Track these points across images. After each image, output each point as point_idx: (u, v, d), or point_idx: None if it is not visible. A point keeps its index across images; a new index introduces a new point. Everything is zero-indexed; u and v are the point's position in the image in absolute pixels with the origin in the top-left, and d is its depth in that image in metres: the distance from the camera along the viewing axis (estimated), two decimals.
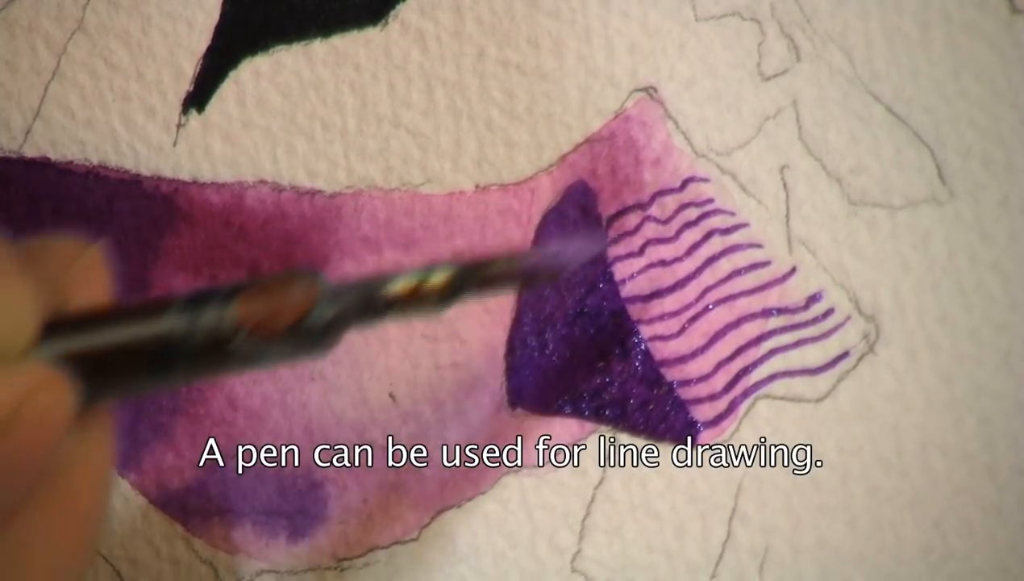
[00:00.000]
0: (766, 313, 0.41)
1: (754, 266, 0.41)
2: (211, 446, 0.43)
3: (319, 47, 0.43)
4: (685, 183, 0.41)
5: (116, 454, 0.33)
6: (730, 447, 0.41)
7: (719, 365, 0.41)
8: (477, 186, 0.42)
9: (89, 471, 0.31)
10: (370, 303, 0.32)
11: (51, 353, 0.28)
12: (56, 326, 0.29)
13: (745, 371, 0.41)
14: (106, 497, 0.32)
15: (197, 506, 0.43)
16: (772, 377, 0.41)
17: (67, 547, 0.30)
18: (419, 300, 0.32)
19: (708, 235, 0.41)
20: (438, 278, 0.32)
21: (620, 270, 0.41)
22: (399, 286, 0.32)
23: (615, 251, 0.41)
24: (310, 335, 0.30)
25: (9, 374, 0.27)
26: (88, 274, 0.31)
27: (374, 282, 0.32)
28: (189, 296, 0.30)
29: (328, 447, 0.42)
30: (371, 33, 0.42)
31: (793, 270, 0.41)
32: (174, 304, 0.29)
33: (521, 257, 0.36)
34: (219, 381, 0.43)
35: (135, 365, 0.29)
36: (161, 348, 0.29)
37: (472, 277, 0.33)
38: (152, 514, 0.43)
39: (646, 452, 0.41)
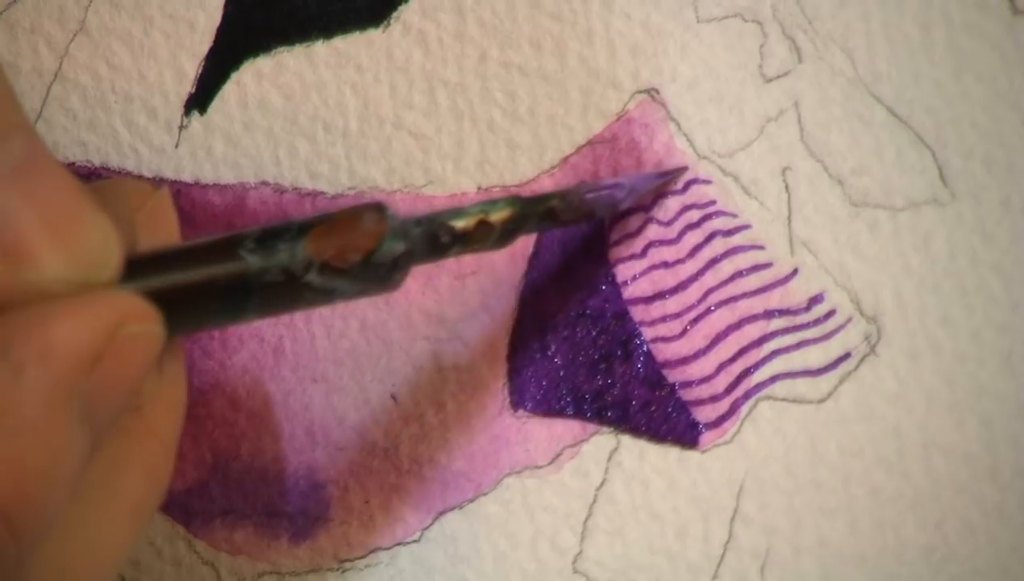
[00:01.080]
0: (768, 314, 0.41)
1: (756, 268, 0.41)
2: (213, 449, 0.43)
3: (321, 48, 0.43)
4: (687, 185, 0.41)
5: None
6: (732, 448, 0.41)
7: (721, 366, 0.41)
8: (479, 188, 0.42)
9: (168, 403, 0.32)
10: (436, 238, 0.33)
11: (134, 288, 0.29)
12: (134, 263, 0.29)
13: (747, 372, 0.41)
14: (181, 426, 0.33)
15: (199, 507, 0.43)
16: (774, 378, 0.41)
17: (151, 474, 0.32)
18: (482, 235, 0.33)
19: (710, 237, 0.41)
20: (500, 213, 0.34)
21: (622, 272, 0.41)
22: (463, 221, 0.33)
23: (617, 253, 0.42)
24: (380, 269, 0.31)
25: (103, 302, 0.28)
26: (157, 216, 0.33)
27: (440, 217, 0.33)
28: (261, 232, 0.30)
29: (330, 448, 0.43)
30: (373, 34, 0.42)
31: (795, 272, 0.41)
32: (247, 240, 0.30)
33: (578, 190, 0.37)
34: (220, 381, 0.43)
35: (211, 301, 0.30)
36: (237, 284, 0.30)
37: (532, 211, 0.34)
38: (154, 515, 0.43)
39: (648, 453, 0.41)
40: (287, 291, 0.30)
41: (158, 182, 0.43)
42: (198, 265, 0.30)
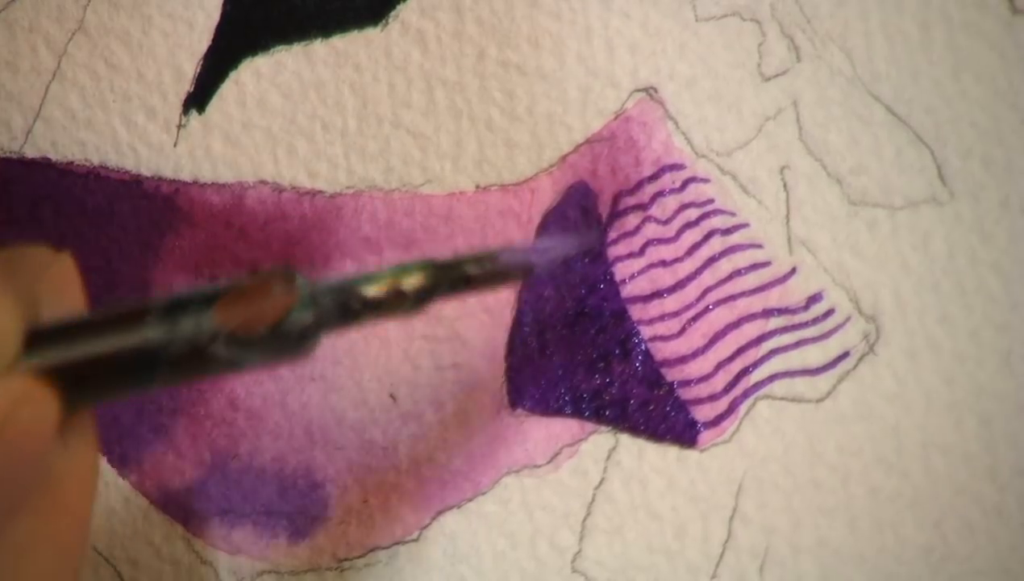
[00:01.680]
0: (766, 313, 0.41)
1: (754, 266, 0.41)
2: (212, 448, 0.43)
3: (319, 47, 0.43)
4: (685, 183, 0.41)
5: (100, 455, 0.33)
6: (730, 447, 0.41)
7: (719, 365, 0.41)
8: (477, 186, 0.42)
9: (77, 476, 0.31)
10: (347, 306, 0.32)
11: (31, 365, 0.28)
12: (35, 335, 0.29)
13: (745, 371, 0.41)
14: (93, 498, 0.32)
15: (197, 506, 0.43)
16: (772, 377, 0.41)
17: (62, 551, 0.31)
18: (394, 302, 0.32)
19: (708, 235, 0.41)
20: (413, 279, 0.33)
21: (621, 270, 0.41)
22: (375, 289, 0.32)
23: (616, 251, 0.41)
24: (288, 339, 0.30)
25: None
26: (61, 283, 0.32)
27: (350, 284, 0.32)
28: (167, 303, 0.30)
29: (328, 447, 0.43)
30: (371, 33, 0.42)
31: (793, 270, 0.41)
32: (152, 311, 0.30)
33: (494, 255, 0.37)
34: (218, 382, 0.43)
35: (116, 373, 0.29)
36: (141, 356, 0.29)
37: (446, 276, 0.34)
38: (153, 515, 0.43)
39: (646, 452, 0.41)
40: (192, 362, 0.30)
41: (156, 181, 0.43)
42: (102, 338, 0.29)
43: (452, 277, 0.34)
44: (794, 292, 0.41)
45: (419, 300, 0.33)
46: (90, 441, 0.32)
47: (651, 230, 0.41)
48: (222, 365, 0.30)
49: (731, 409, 0.41)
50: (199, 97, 0.43)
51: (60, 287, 0.32)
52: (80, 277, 0.33)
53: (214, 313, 0.30)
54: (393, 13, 0.42)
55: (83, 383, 0.29)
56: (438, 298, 0.33)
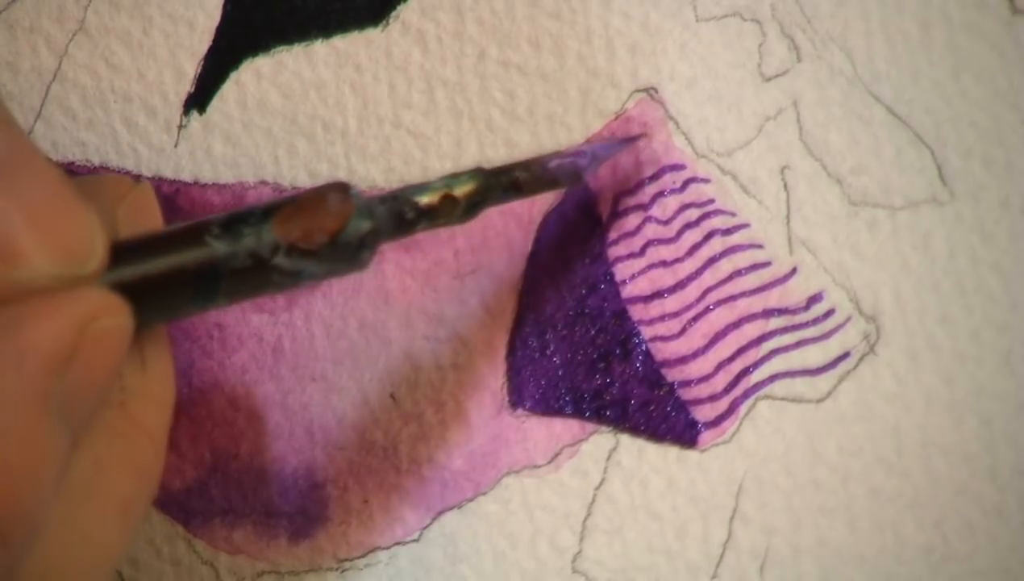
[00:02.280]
0: (767, 314, 0.41)
1: (755, 267, 0.41)
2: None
3: (320, 48, 0.43)
4: (686, 184, 0.41)
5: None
6: (731, 448, 0.41)
7: (720, 366, 0.41)
8: None
9: (153, 396, 0.32)
10: (401, 215, 0.33)
11: (104, 282, 0.29)
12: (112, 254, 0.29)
13: (746, 372, 0.41)
14: (169, 420, 0.34)
15: (198, 507, 0.43)
16: (773, 378, 0.41)
17: (138, 470, 0.32)
18: (447, 209, 0.33)
19: (709, 236, 0.41)
20: (464, 187, 0.34)
21: (621, 271, 0.41)
22: (428, 197, 0.33)
23: (616, 252, 0.41)
24: (347, 249, 0.31)
25: (72, 301, 0.28)
26: (139, 209, 0.33)
27: (404, 194, 0.33)
28: (226, 218, 0.30)
29: (329, 448, 0.43)
30: (372, 34, 0.42)
31: (794, 271, 0.41)
32: (214, 227, 0.30)
33: (543, 161, 0.37)
34: (219, 381, 0.43)
35: (182, 289, 0.30)
36: (205, 271, 0.30)
37: (496, 183, 0.34)
38: (153, 515, 0.43)
39: (647, 453, 0.41)
40: (255, 275, 0.31)
41: (156, 182, 0.43)
42: (166, 254, 0.30)
43: (502, 183, 0.35)
44: (794, 292, 0.41)
45: (471, 206, 0.34)
46: (166, 365, 0.33)
47: (651, 230, 0.41)
48: (284, 277, 0.31)
49: (731, 409, 0.41)
50: (200, 98, 0.43)
51: (138, 213, 0.33)
52: (158, 206, 0.34)
53: (273, 226, 0.30)
54: (394, 13, 0.42)
55: (153, 299, 0.30)
56: (489, 204, 0.35)
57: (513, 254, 0.42)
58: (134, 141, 0.43)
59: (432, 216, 0.33)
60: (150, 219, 0.33)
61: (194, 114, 0.43)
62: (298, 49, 0.43)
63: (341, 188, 0.31)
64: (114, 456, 0.31)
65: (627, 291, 0.41)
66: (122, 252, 0.30)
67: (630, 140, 0.41)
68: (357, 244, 0.31)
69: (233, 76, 0.43)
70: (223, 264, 0.30)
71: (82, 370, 0.28)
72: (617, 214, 0.41)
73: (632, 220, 0.41)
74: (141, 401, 0.32)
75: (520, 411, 0.42)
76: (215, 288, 0.30)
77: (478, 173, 0.34)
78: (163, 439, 0.33)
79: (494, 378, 0.42)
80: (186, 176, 0.43)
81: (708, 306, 0.41)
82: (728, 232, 0.41)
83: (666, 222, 0.41)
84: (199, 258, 0.30)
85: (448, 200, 0.33)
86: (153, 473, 0.32)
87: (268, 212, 0.31)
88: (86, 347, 0.28)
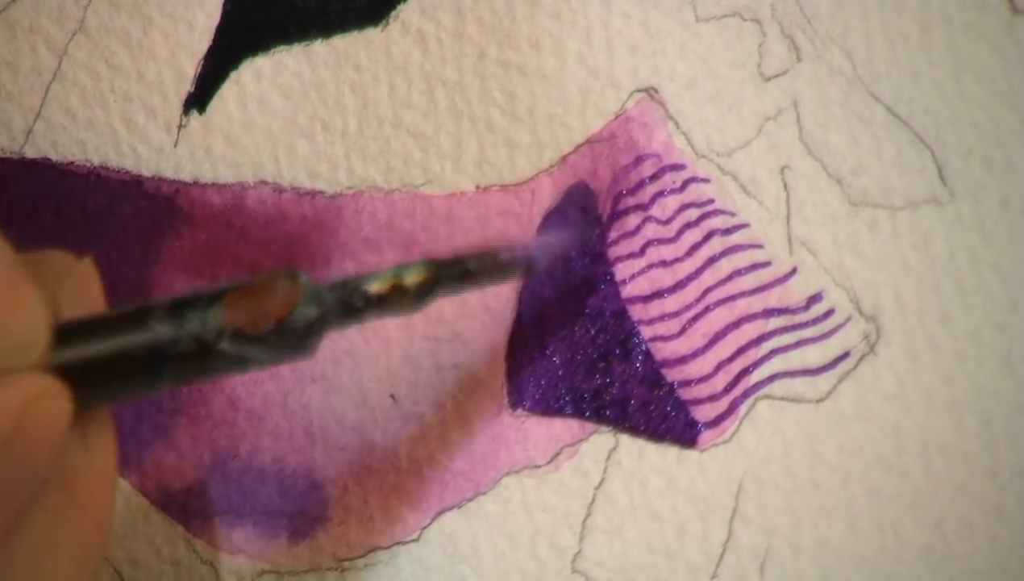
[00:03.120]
0: (767, 314, 0.41)
1: (755, 267, 0.41)
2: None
3: (320, 48, 0.43)
4: (686, 184, 0.41)
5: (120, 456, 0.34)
6: (730, 447, 0.41)
7: (720, 366, 0.41)
8: (478, 187, 0.42)
9: (96, 476, 0.32)
10: (350, 303, 0.32)
11: (50, 363, 0.29)
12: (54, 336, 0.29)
13: (746, 372, 0.41)
14: (113, 499, 0.33)
15: (198, 507, 0.43)
16: (773, 377, 0.41)
17: (80, 552, 0.31)
18: (397, 298, 0.33)
19: (709, 236, 0.41)
20: (414, 276, 0.33)
21: (621, 271, 0.41)
22: (377, 285, 0.33)
23: (616, 252, 0.42)
24: (294, 335, 0.31)
25: (11, 384, 0.27)
26: (82, 287, 0.32)
27: (353, 281, 0.33)
28: (173, 301, 0.30)
29: (329, 448, 0.43)
30: (372, 34, 0.42)
31: (794, 271, 0.41)
32: (160, 310, 0.30)
33: (495, 251, 0.37)
34: (214, 383, 0.43)
35: (126, 372, 0.30)
36: (150, 354, 0.30)
37: (447, 272, 0.34)
38: (153, 515, 0.43)
39: (647, 453, 0.41)
40: (200, 360, 0.30)
41: (156, 182, 0.43)
42: (110, 337, 0.30)
43: (453, 273, 0.35)
44: (794, 292, 0.41)
45: (420, 296, 0.34)
46: (109, 443, 0.32)
47: (651, 230, 0.41)
48: (229, 362, 0.30)
49: (731, 409, 0.41)
50: (200, 97, 0.43)
51: (81, 291, 0.32)
52: (101, 282, 0.33)
53: (220, 310, 0.30)
54: (393, 13, 0.42)
55: (95, 382, 0.29)
56: (439, 294, 0.34)
57: None
58: (134, 141, 0.43)
59: (381, 305, 0.33)
60: (93, 296, 0.33)
61: (194, 114, 0.43)
62: (298, 49, 0.43)
63: (290, 274, 0.31)
64: (56, 539, 0.30)
65: (627, 291, 0.41)
66: (66, 333, 0.29)
67: (579, 237, 0.41)
68: (304, 331, 0.31)
69: (233, 76, 0.43)
70: (167, 349, 0.30)
71: (20, 453, 0.27)
72: (617, 214, 0.41)
73: (632, 220, 0.41)
74: (84, 481, 0.31)
75: (520, 411, 0.42)
76: (159, 372, 0.30)
77: (428, 263, 0.34)
78: (107, 518, 0.32)
79: (494, 378, 0.42)
80: (186, 176, 0.43)
81: (708, 306, 0.41)
82: (728, 232, 0.41)
83: (666, 222, 0.41)
84: (143, 342, 0.30)
85: (397, 289, 0.33)
86: (95, 553, 0.32)
87: (215, 296, 0.30)
88: (24, 430, 0.27)
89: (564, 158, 0.42)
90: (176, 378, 0.30)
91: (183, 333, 0.30)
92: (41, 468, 0.28)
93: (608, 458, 0.41)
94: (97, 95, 0.43)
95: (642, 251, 0.41)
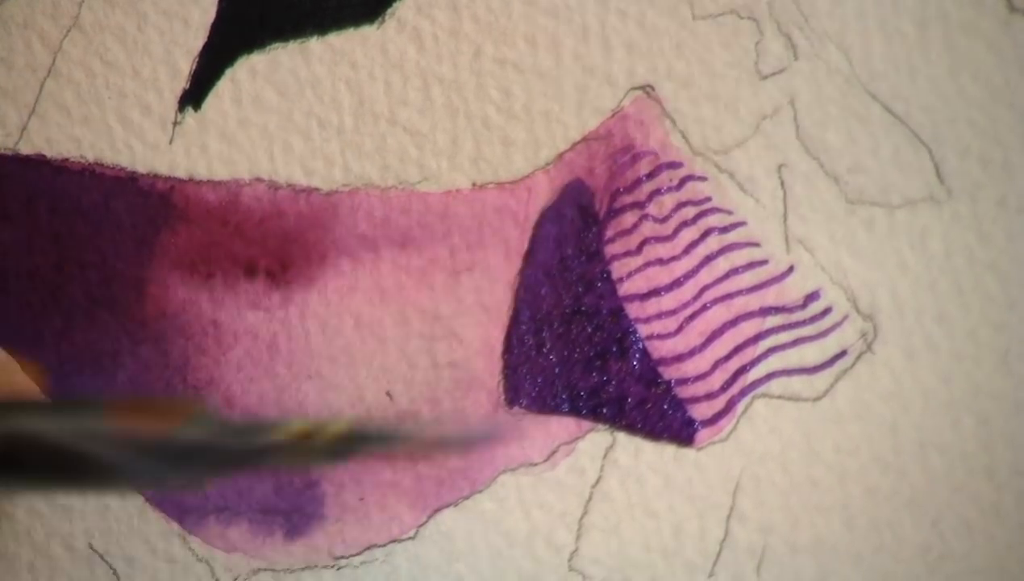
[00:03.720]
0: (764, 312, 0.41)
1: (751, 265, 0.41)
2: None
3: (316, 45, 0.42)
4: (682, 182, 0.41)
5: None
6: (728, 446, 0.41)
7: (717, 364, 0.41)
8: (474, 184, 0.42)
9: None
10: (250, 441, 0.32)
11: None
12: None
13: (743, 370, 0.41)
14: None
15: (194, 504, 0.43)
16: (770, 376, 0.41)
17: None
18: (303, 450, 0.32)
19: (705, 234, 0.41)
20: (329, 431, 0.33)
21: (617, 268, 0.41)
22: (283, 432, 0.32)
23: (612, 249, 0.41)
24: (177, 454, 0.30)
25: None
26: None
27: (262, 424, 0.32)
28: (61, 401, 0.30)
29: None
30: (368, 31, 0.42)
31: (791, 269, 0.41)
32: (45, 407, 0.30)
33: (418, 437, 0.37)
34: (215, 378, 0.43)
35: None
36: (19, 446, 0.29)
37: (360, 438, 0.34)
38: (148, 512, 0.43)
39: (643, 451, 0.41)
40: (76, 462, 0.30)
41: (151, 179, 0.43)
42: None
43: (368, 438, 0.34)
44: (791, 290, 0.41)
45: (330, 454, 0.33)
46: None
47: (648, 228, 0.41)
48: (107, 471, 0.30)
49: (728, 407, 0.41)
50: (195, 94, 0.43)
51: None
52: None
53: (106, 415, 0.30)
54: (389, 11, 0.42)
55: None
56: (357, 455, 0.34)
57: (509, 251, 0.42)
58: (129, 138, 0.43)
59: (283, 453, 0.32)
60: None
61: (189, 111, 0.43)
62: (293, 46, 0.43)
63: (189, 401, 0.31)
64: None
65: (624, 289, 0.41)
66: None
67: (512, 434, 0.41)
68: (187, 453, 0.30)
69: (228, 73, 0.43)
70: (42, 442, 0.29)
71: None
72: (613, 212, 0.41)
73: (629, 218, 0.41)
74: None
75: (516, 409, 0.42)
76: (31, 468, 0.30)
77: (350, 425, 0.33)
78: None
79: (490, 376, 0.42)
80: (181, 173, 0.43)
81: (705, 304, 0.41)
82: (725, 230, 0.41)
83: (663, 220, 0.41)
84: (13, 431, 0.29)
85: (305, 441, 0.32)
86: None
87: (106, 404, 0.30)
88: None
89: (560, 156, 0.42)
90: (43, 478, 0.30)
91: (63, 430, 0.29)
92: None
93: (605, 456, 0.41)
94: (92, 92, 0.43)
95: (639, 249, 0.41)
